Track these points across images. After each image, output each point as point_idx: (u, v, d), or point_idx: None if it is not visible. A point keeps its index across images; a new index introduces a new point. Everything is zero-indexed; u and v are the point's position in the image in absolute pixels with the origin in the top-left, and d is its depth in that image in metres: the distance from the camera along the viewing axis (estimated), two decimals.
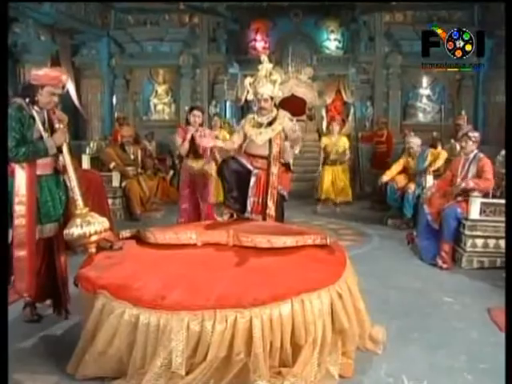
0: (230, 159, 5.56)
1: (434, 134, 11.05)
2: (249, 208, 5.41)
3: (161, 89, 14.03)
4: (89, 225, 4.00)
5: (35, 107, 4.14)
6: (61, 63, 12.06)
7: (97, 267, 3.62)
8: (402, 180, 8.64)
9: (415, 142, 8.87)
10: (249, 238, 4.02)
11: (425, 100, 13.58)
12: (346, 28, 15.90)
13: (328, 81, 16.40)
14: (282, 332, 3.09)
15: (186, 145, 6.59)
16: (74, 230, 3.98)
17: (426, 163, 8.33)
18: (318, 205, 10.24)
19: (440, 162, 8.34)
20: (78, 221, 4.00)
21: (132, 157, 9.87)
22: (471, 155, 6.43)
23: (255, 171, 5.44)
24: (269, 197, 5.36)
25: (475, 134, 6.49)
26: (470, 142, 6.38)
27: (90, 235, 4.00)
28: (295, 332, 3.13)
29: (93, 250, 3.99)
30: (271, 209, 5.35)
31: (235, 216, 5.40)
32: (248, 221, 5.21)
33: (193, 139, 6.54)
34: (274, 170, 5.39)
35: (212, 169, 6.79)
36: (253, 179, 5.43)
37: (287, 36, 16.12)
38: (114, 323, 3.13)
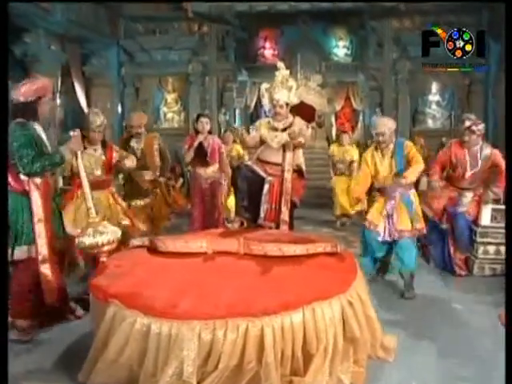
0: (243, 166, 5.57)
1: (444, 139, 11.02)
2: (262, 215, 5.41)
3: (170, 97, 14.09)
4: (101, 234, 4.03)
5: (37, 124, 4.21)
6: (71, 72, 12.18)
7: (108, 276, 3.63)
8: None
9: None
10: (259, 247, 4.02)
11: (434, 106, 13.55)
12: (355, 35, 15.95)
13: (337, 88, 16.43)
14: (293, 340, 3.09)
15: (191, 152, 6.66)
16: (86, 239, 4.01)
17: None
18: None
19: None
20: (90, 230, 4.03)
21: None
22: (477, 147, 6.15)
23: (269, 178, 5.44)
24: (283, 203, 5.36)
25: (479, 128, 6.13)
26: (474, 136, 6.08)
27: (103, 245, 4.03)
28: (306, 340, 3.13)
29: (104, 259, 4.02)
30: (285, 215, 5.35)
31: (245, 224, 5.40)
32: (258, 229, 5.21)
33: (201, 147, 6.58)
34: (288, 176, 5.40)
35: (222, 176, 6.81)
36: (266, 186, 5.43)
37: (296, 43, 16.18)
38: (126, 332, 3.13)
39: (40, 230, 4.18)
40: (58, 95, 11.21)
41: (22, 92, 4.15)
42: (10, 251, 4.13)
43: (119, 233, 4.21)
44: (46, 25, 10.29)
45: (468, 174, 6.20)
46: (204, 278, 3.46)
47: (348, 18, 15.18)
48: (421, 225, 5.47)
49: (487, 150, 6.16)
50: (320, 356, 3.17)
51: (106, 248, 4.10)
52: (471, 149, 6.16)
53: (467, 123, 6.12)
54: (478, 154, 6.15)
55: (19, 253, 4.16)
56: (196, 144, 6.65)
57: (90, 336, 3.65)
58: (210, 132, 6.78)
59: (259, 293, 3.22)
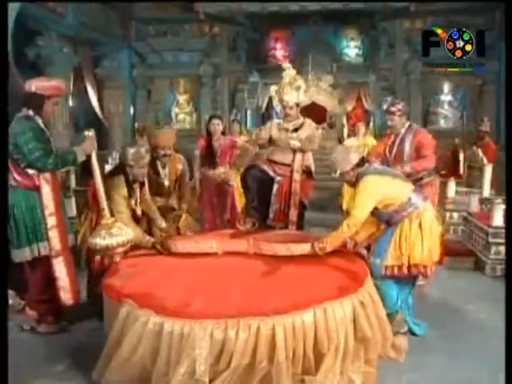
0: (252, 167, 5.59)
1: (456, 140, 10.98)
2: (271, 216, 5.43)
3: (182, 98, 14.16)
4: (112, 237, 3.97)
5: (40, 119, 4.16)
6: (83, 74, 12.27)
7: (121, 276, 3.67)
8: None
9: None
10: (269, 247, 4.04)
11: (446, 106, 13.52)
12: (366, 35, 15.92)
13: (348, 88, 16.41)
14: (304, 340, 3.10)
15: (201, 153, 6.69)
16: (98, 241, 3.97)
17: None
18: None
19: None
20: (103, 232, 3.99)
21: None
22: (402, 130, 5.40)
23: (278, 178, 5.47)
24: (291, 204, 5.38)
25: (398, 107, 5.36)
26: (396, 117, 5.35)
27: (113, 247, 3.99)
28: (318, 340, 3.14)
29: (117, 259, 4.03)
30: (294, 216, 5.37)
31: (257, 225, 5.42)
32: (270, 229, 5.22)
33: (211, 148, 6.58)
34: (298, 177, 5.42)
35: (231, 177, 6.81)
36: (275, 186, 5.45)
37: (307, 44, 16.17)
38: (139, 331, 3.16)
39: (52, 223, 4.18)
40: (70, 97, 11.31)
41: (35, 83, 4.16)
42: (31, 248, 4.16)
43: (131, 234, 4.16)
44: (59, 28, 10.39)
45: (405, 159, 5.41)
46: (216, 278, 3.49)
47: (359, 18, 15.16)
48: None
49: (414, 129, 5.52)
50: (331, 355, 3.19)
51: (118, 250, 4.06)
52: (399, 132, 5.43)
53: (384, 106, 5.60)
54: (405, 138, 5.43)
55: (43, 249, 4.17)
56: (201, 144, 6.68)
57: (102, 334, 3.69)
58: (223, 133, 6.77)
59: (271, 292, 3.24)
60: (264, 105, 17.08)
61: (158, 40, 13.68)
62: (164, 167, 5.28)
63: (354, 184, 4.10)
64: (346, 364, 3.29)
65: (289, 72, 5.53)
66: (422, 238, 3.94)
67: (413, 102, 13.42)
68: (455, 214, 7.66)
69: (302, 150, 5.45)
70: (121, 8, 12.68)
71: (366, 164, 4.16)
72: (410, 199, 3.97)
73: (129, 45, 13.67)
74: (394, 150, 5.44)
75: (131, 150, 4.46)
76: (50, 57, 10.47)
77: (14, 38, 7.76)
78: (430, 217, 4.02)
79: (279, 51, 16.89)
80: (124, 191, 4.43)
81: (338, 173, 4.22)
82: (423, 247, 3.94)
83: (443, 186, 8.34)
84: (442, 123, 13.54)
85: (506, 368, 2.89)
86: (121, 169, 4.55)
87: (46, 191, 4.14)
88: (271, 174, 5.50)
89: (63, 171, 8.25)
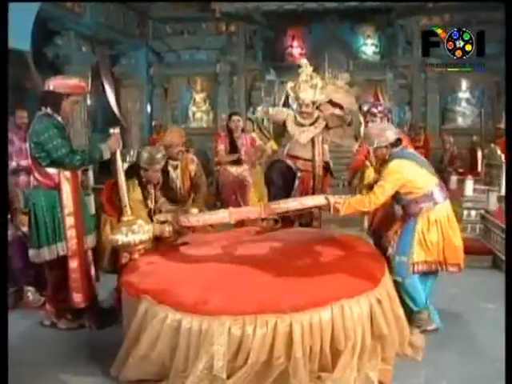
0: (276, 162, 5.60)
1: (474, 138, 10.90)
2: None
3: (199, 97, 14.18)
4: (134, 233, 4.02)
5: (58, 117, 4.17)
6: (101, 73, 12.36)
7: (139, 273, 3.70)
8: None
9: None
10: (281, 205, 4.04)
11: (464, 104, 13.40)
12: (383, 32, 15.85)
13: (365, 86, 16.31)
14: (321, 337, 3.11)
15: (223, 152, 6.70)
16: (119, 238, 4.01)
17: None
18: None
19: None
20: (124, 229, 4.03)
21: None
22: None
23: (299, 174, 5.47)
24: None
25: (379, 109, 5.36)
26: (377, 119, 5.24)
27: (135, 244, 4.03)
28: (335, 337, 3.15)
29: (136, 256, 4.06)
30: (316, 211, 5.36)
31: (280, 222, 5.42)
32: (291, 226, 5.23)
33: (233, 145, 6.59)
34: (319, 172, 5.42)
35: (250, 175, 6.82)
36: (297, 182, 5.46)
37: (323, 42, 16.13)
38: (157, 327, 3.20)
39: (70, 223, 4.17)
40: (88, 96, 11.40)
41: (53, 82, 4.18)
42: (50, 249, 4.18)
43: (152, 232, 4.20)
44: (77, 27, 10.47)
45: None
46: (233, 275, 3.51)
47: (376, 15, 15.09)
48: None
49: None
50: (348, 353, 3.20)
51: (139, 247, 4.10)
52: None
53: (365, 107, 5.59)
54: None
55: (61, 250, 4.19)
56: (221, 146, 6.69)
57: (120, 330, 3.74)
58: (243, 130, 6.77)
59: (288, 289, 3.26)
60: (281, 103, 17.03)
61: (174, 39, 13.73)
62: (176, 168, 5.26)
63: (382, 163, 4.17)
64: (363, 361, 3.30)
65: (306, 70, 5.53)
66: (443, 234, 4.02)
67: (430, 100, 13.36)
68: (473, 212, 7.60)
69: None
70: (138, 7, 12.74)
71: (401, 146, 4.18)
72: (431, 193, 4.02)
73: (146, 44, 13.74)
74: None
75: (146, 155, 4.57)
76: (68, 56, 10.55)
77: (33, 39, 7.85)
78: (451, 214, 4.10)
79: (296, 49, 16.86)
80: (138, 195, 4.54)
81: (371, 148, 4.28)
82: (445, 242, 4.03)
83: (461, 183, 8.32)
84: (460, 121, 13.43)
85: (506, 368, 2.87)
86: (134, 170, 4.63)
87: (67, 190, 4.15)
88: (295, 169, 5.51)
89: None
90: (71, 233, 4.19)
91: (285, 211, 4.00)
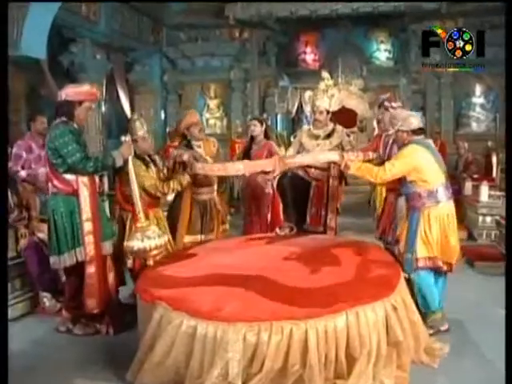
0: (288, 173, 5.59)
1: (489, 143, 10.82)
2: (308, 220, 5.43)
3: (212, 103, 14.20)
4: (149, 239, 4.06)
5: (74, 124, 4.23)
6: (115, 80, 12.44)
7: (154, 279, 3.72)
8: None
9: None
10: (294, 159, 4.20)
11: (478, 109, 13.29)
12: (396, 38, 15.79)
13: (379, 92, 16.26)
14: (336, 344, 3.11)
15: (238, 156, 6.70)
16: (135, 244, 4.06)
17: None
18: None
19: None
20: (139, 234, 4.08)
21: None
22: (391, 129, 4.69)
23: (314, 183, 5.47)
24: (329, 209, 5.38)
25: (392, 104, 5.23)
26: (388, 114, 5.02)
27: (151, 249, 4.07)
28: (350, 344, 3.15)
29: (150, 262, 4.09)
30: (332, 221, 5.36)
31: (295, 229, 5.41)
32: (307, 234, 5.23)
33: (248, 153, 6.54)
34: (335, 181, 5.42)
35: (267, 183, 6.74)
36: (312, 191, 5.46)
37: (337, 48, 16.11)
38: (172, 334, 3.21)
39: (88, 228, 4.21)
40: (103, 103, 11.48)
41: (65, 91, 4.24)
42: (69, 255, 4.21)
43: (166, 237, 4.26)
44: (92, 35, 10.54)
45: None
46: (248, 281, 3.52)
47: (389, 21, 15.03)
48: None
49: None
50: (363, 360, 3.19)
51: (153, 252, 4.14)
52: (388, 130, 4.90)
53: (381, 98, 5.53)
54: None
55: (79, 255, 4.22)
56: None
57: (135, 336, 3.75)
58: (267, 137, 6.63)
59: (303, 296, 3.26)
60: (294, 109, 17.08)
61: (188, 45, 13.78)
62: (199, 147, 5.33)
63: (400, 147, 4.30)
64: (379, 368, 3.29)
65: (326, 82, 5.60)
66: (441, 232, 4.10)
67: (444, 105, 13.27)
68: (488, 218, 7.57)
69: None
70: (152, 15, 12.80)
71: (422, 136, 4.27)
72: (436, 191, 4.09)
73: (160, 50, 13.79)
74: (388, 150, 5.22)
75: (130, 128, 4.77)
76: (83, 63, 10.62)
77: (49, 47, 7.92)
78: (452, 214, 4.18)
79: (309, 55, 16.86)
80: (150, 172, 4.77)
81: (392, 131, 4.36)
82: (442, 240, 4.11)
83: (476, 189, 8.26)
84: (475, 126, 13.32)
85: (506, 367, 2.85)
86: (136, 157, 4.69)
87: (85, 196, 4.19)
88: (307, 179, 5.51)
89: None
90: (89, 238, 4.23)
91: (299, 165, 4.07)
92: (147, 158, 4.89)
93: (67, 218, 4.18)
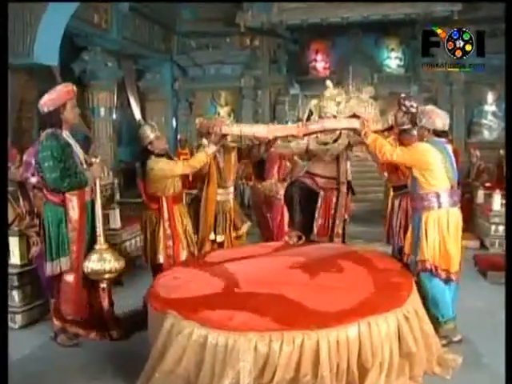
0: (295, 181, 5.58)
1: (501, 152, 10.75)
2: (315, 230, 5.40)
3: (223, 111, 14.21)
4: (104, 262, 4.18)
5: (66, 133, 4.27)
6: (126, 88, 12.49)
7: (165, 288, 3.71)
8: None
9: None
10: (317, 124, 4.61)
11: (490, 117, 13.23)
12: (407, 46, 15.75)
13: (390, 99, 16.21)
14: (348, 354, 3.09)
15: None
16: (89, 265, 4.17)
17: None
18: None
19: None
20: (95, 256, 4.19)
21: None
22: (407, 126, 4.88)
23: (322, 192, 5.45)
24: (337, 217, 5.35)
25: (408, 103, 4.90)
26: (400, 112, 4.89)
27: (104, 272, 4.21)
28: (362, 355, 3.12)
29: (104, 285, 4.15)
30: (339, 228, 5.34)
31: (303, 238, 5.39)
32: (315, 243, 5.21)
33: (260, 161, 6.51)
34: (344, 189, 5.40)
35: (279, 190, 6.72)
36: (320, 200, 5.43)
37: (347, 55, 16.08)
38: (183, 343, 3.19)
39: (73, 239, 4.25)
40: (114, 110, 11.52)
41: (45, 103, 4.24)
42: (54, 264, 4.23)
43: (123, 263, 4.35)
44: (103, 43, 10.61)
45: None
46: (260, 291, 3.50)
47: (400, 28, 15.02)
48: None
49: None
50: (375, 370, 3.17)
51: (107, 276, 4.28)
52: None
53: (402, 96, 5.25)
54: None
55: (64, 265, 4.24)
56: None
57: (146, 344, 3.74)
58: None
59: (315, 306, 3.24)
60: (305, 117, 17.04)
61: (199, 53, 13.82)
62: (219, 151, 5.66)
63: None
64: (391, 379, 3.26)
65: (330, 90, 5.58)
66: (439, 238, 4.05)
67: (456, 113, 13.18)
68: (500, 227, 7.49)
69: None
70: (163, 22, 12.87)
71: (443, 140, 4.25)
72: (438, 195, 4.07)
73: (171, 58, 13.84)
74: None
75: (141, 134, 4.99)
76: (94, 71, 10.68)
77: (61, 54, 7.97)
78: (454, 221, 4.11)
79: (320, 63, 16.83)
80: (165, 160, 4.96)
81: (407, 126, 4.57)
82: (440, 245, 4.05)
83: (488, 198, 8.20)
84: (486, 134, 13.25)
85: (506, 368, 2.86)
86: (146, 156, 4.95)
87: (73, 206, 4.23)
88: (315, 188, 5.49)
89: (108, 182, 8.46)
90: (72, 247, 4.26)
91: (320, 129, 4.11)
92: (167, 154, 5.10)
93: (54, 228, 4.23)
